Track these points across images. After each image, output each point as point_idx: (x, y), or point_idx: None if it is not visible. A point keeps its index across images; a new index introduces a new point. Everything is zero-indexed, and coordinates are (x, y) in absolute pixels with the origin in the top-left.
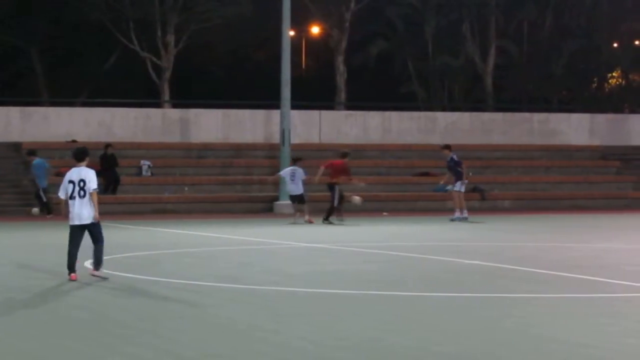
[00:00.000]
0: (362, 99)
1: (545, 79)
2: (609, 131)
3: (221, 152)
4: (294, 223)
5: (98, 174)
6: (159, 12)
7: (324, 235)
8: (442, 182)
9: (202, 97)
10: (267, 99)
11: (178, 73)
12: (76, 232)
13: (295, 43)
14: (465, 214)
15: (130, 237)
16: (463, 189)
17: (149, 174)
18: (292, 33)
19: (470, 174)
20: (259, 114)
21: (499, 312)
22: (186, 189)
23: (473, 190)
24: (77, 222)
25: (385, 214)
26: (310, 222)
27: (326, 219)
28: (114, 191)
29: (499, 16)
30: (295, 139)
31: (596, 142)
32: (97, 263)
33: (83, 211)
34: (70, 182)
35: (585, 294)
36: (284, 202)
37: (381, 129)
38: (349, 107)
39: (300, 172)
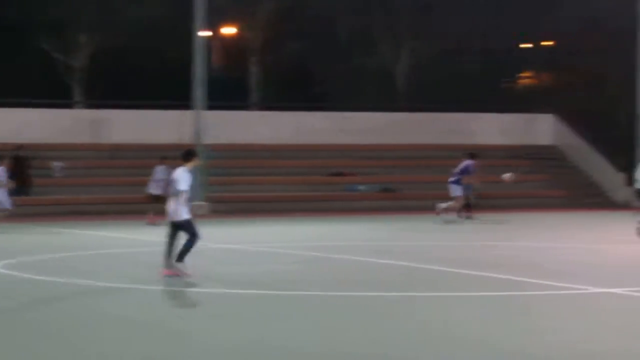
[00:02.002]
0: (276, 99)
1: (457, 79)
2: (520, 131)
3: (134, 153)
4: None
5: (11, 177)
6: (72, 12)
7: (237, 236)
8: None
9: (114, 97)
10: (181, 100)
11: (91, 73)
12: None
13: (208, 43)
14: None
15: (40, 239)
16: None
17: (62, 175)
18: (205, 33)
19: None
20: (172, 114)
21: (413, 311)
22: None
23: (384, 190)
24: None
25: (297, 214)
26: (152, 223)
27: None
28: (26, 193)
29: (411, 16)
30: (208, 140)
31: (507, 141)
32: None
33: None
34: None
35: (501, 292)
36: (199, 203)
37: (294, 129)
38: (262, 108)
39: (161, 170)
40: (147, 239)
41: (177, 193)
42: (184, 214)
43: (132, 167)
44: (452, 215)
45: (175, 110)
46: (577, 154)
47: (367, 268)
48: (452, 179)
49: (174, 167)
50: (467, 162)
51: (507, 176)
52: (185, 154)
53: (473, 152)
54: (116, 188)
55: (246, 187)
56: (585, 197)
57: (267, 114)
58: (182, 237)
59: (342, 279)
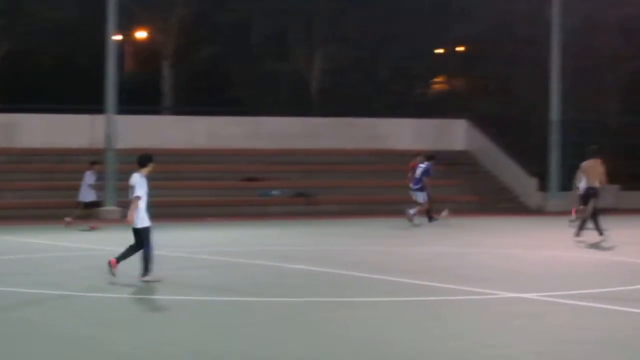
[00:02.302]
0: (189, 103)
1: (372, 84)
2: (434, 136)
3: (45, 158)
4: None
5: None
6: None
7: None
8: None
9: (26, 101)
10: (93, 104)
11: (1, 77)
12: None
13: (121, 47)
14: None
15: None
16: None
17: None
18: (118, 37)
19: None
20: (84, 118)
21: (325, 316)
22: None
23: (298, 195)
24: None
25: (210, 218)
26: (69, 223)
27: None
28: None
29: (325, 22)
30: (120, 144)
31: (421, 146)
32: None
33: None
34: None
35: (413, 297)
36: (109, 208)
37: (208, 134)
38: (176, 112)
39: (89, 175)
40: (61, 244)
41: (133, 199)
42: (141, 221)
43: (43, 172)
44: (420, 220)
45: (87, 115)
46: (490, 159)
47: (280, 273)
48: (414, 186)
49: (102, 171)
50: (426, 165)
51: (443, 214)
52: (141, 159)
53: (431, 154)
54: (28, 192)
55: (159, 191)
56: (498, 202)
57: (180, 118)
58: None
59: (253, 284)
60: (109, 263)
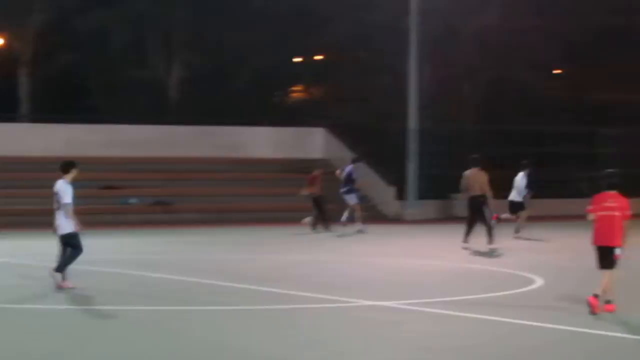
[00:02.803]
0: (47, 111)
1: (230, 92)
2: (292, 144)
3: None
4: None
5: None
6: None
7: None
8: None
9: None
10: None
11: None
12: None
13: None
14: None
15: None
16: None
17: None
18: None
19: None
20: None
21: (183, 324)
22: None
23: (157, 203)
24: None
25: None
26: None
27: None
28: None
29: (184, 29)
30: None
31: (280, 155)
32: None
33: None
34: None
35: (271, 305)
36: None
37: (65, 141)
38: (33, 120)
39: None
40: None
41: (61, 206)
42: (68, 227)
43: None
44: (361, 225)
45: None
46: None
47: (139, 281)
48: (343, 189)
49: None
50: (349, 168)
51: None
52: (64, 166)
53: (356, 157)
54: None
55: (16, 199)
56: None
57: (37, 126)
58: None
59: (113, 293)
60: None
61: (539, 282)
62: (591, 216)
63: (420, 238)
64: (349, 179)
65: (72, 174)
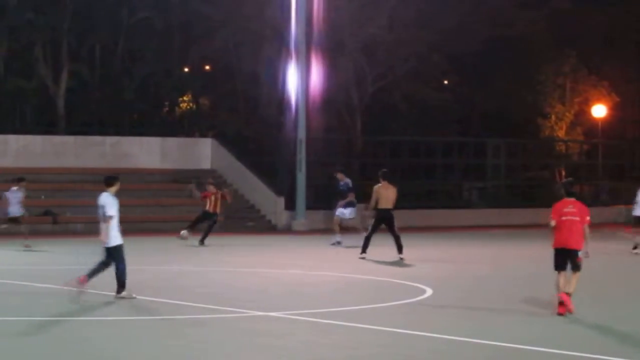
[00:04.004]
0: None
1: (117, 102)
2: (180, 155)
3: None
4: None
5: None
6: None
7: None
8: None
9: None
10: None
11: None
12: None
13: None
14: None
15: None
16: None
17: None
18: None
19: (42, 197)
20: None
21: (69, 334)
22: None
23: (45, 213)
24: None
25: None
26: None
27: None
28: None
29: (71, 39)
30: None
31: (168, 165)
32: None
33: None
34: None
35: (155, 315)
36: None
37: None
38: None
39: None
40: None
41: (105, 219)
42: (113, 240)
43: None
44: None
45: None
46: (237, 178)
47: (26, 292)
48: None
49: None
50: (345, 182)
51: (182, 234)
52: (108, 179)
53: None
54: None
55: None
56: (245, 220)
57: None
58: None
59: None
60: (79, 280)
61: (428, 292)
62: (553, 223)
63: (309, 248)
64: (348, 191)
65: (116, 186)
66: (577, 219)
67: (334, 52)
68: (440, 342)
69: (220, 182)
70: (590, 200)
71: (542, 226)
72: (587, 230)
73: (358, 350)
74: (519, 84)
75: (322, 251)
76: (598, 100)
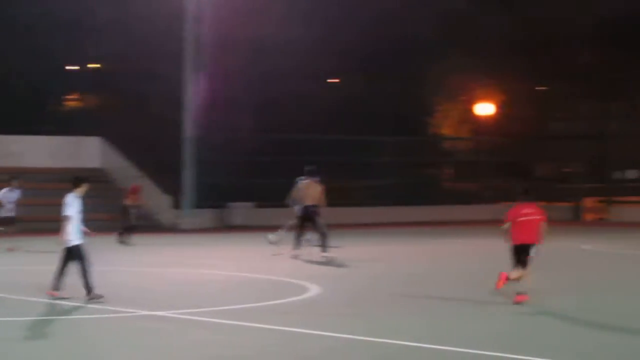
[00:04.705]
0: None
1: (4, 100)
2: (68, 154)
3: None
4: None
5: None
6: None
7: None
8: None
9: None
10: None
11: None
12: None
13: None
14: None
15: None
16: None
17: None
18: None
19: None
20: None
21: None
22: None
23: None
24: None
25: None
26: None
27: None
28: None
29: None
30: None
31: (55, 164)
32: None
33: None
34: None
35: (34, 316)
36: None
37: None
38: None
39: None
40: None
41: (64, 218)
42: (72, 240)
43: None
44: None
45: None
46: (124, 177)
47: None
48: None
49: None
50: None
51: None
52: (74, 180)
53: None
54: None
55: None
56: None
57: None
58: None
59: None
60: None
61: (315, 290)
62: (506, 225)
63: (197, 247)
64: None
65: (83, 188)
66: (535, 218)
67: (225, 49)
68: (331, 340)
69: (108, 181)
70: (475, 198)
71: (432, 224)
72: (544, 226)
73: (247, 349)
74: (408, 82)
75: (209, 249)
76: (484, 98)
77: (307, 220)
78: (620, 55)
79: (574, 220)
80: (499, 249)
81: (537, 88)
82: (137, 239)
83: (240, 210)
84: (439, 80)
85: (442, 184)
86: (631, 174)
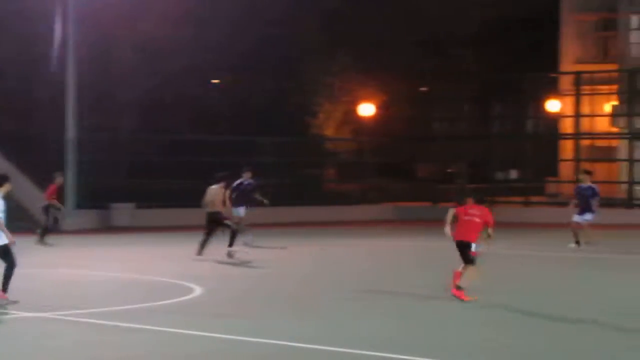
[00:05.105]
0: None
1: None
2: None
3: None
4: None
5: None
6: None
7: None
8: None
9: None
10: None
11: None
12: None
13: None
14: None
15: None
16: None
17: None
18: None
19: None
20: None
21: None
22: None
23: None
24: None
25: None
26: None
27: None
28: None
29: None
30: None
31: None
32: None
33: None
34: None
35: None
36: None
37: None
38: None
39: None
40: None
41: None
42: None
43: None
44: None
45: None
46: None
47: None
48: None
49: None
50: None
51: None
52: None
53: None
54: None
55: None
56: (14, 220)
57: None
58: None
59: None
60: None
61: (199, 290)
62: (447, 228)
63: (80, 248)
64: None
65: (5, 187)
66: (477, 220)
67: (105, 50)
68: (216, 342)
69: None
70: (358, 199)
71: (315, 224)
72: (491, 230)
73: (132, 349)
74: (291, 83)
75: (92, 250)
76: (366, 99)
77: (214, 225)
78: (502, 56)
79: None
80: (385, 248)
81: (419, 89)
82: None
83: (123, 211)
84: (321, 81)
85: (325, 185)
86: (514, 174)
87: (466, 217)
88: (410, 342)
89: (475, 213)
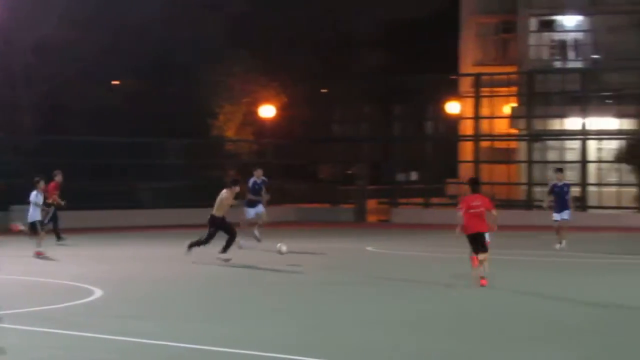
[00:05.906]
0: None
1: None
2: None
3: None
4: None
5: None
6: None
7: None
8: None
9: None
10: None
11: None
12: None
13: None
14: None
15: None
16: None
17: None
18: None
19: None
20: None
21: None
22: None
23: None
24: None
25: None
26: None
27: None
28: None
29: None
30: None
31: None
32: None
33: None
34: None
35: None
36: None
37: None
38: None
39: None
40: None
41: None
42: None
43: None
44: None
45: None
46: None
47: None
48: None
49: None
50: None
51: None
52: None
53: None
54: None
55: None
56: None
57: None
58: None
59: None
60: None
61: (99, 293)
62: (460, 212)
63: None
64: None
65: None
66: (483, 210)
67: (4, 51)
68: (117, 344)
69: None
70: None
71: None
72: (494, 214)
73: (31, 352)
74: (191, 85)
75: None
76: (267, 101)
77: (214, 228)
78: (403, 58)
79: (358, 222)
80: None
81: (320, 90)
82: None
83: (23, 213)
84: (221, 82)
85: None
86: (414, 176)
87: (472, 210)
88: (307, 343)
89: (479, 204)
